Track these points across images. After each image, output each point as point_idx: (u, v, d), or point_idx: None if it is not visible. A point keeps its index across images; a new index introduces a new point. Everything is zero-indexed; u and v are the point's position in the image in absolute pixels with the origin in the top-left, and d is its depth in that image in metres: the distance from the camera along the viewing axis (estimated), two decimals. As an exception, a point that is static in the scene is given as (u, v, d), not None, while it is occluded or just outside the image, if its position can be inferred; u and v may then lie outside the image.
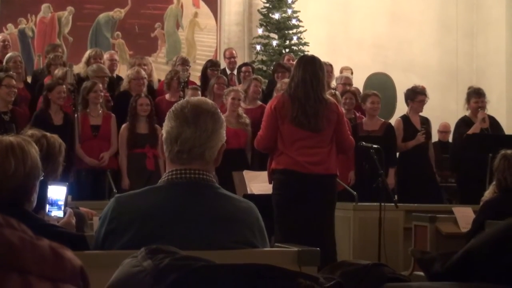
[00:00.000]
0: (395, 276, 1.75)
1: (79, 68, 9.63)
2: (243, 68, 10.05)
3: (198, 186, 2.66)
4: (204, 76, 9.69)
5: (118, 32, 13.56)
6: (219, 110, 2.79)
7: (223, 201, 2.70)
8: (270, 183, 5.85)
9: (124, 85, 8.84)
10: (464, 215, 6.20)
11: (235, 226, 2.66)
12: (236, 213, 2.69)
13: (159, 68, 12.39)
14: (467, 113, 8.78)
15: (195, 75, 11.33)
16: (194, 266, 1.61)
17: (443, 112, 12.08)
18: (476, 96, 8.65)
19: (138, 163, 8.18)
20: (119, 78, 9.57)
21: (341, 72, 10.63)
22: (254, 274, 1.62)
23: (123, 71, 10.64)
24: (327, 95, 5.99)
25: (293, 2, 13.25)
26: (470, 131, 8.42)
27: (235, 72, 10.48)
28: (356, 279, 1.71)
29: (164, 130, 2.73)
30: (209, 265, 1.64)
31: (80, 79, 8.70)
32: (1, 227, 0.78)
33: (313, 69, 5.73)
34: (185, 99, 3.02)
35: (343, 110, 6.25)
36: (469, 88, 9.08)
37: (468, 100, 8.72)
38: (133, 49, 13.33)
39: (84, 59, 9.47)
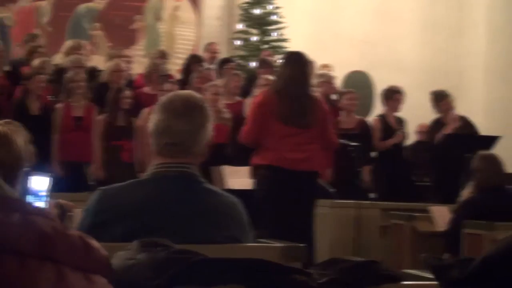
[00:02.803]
0: (390, 273, 1.76)
1: (57, 58, 9.57)
2: (228, 65, 10.03)
3: (185, 180, 2.66)
4: (187, 70, 9.66)
5: (98, 24, 13.48)
6: (207, 105, 2.80)
7: (209, 195, 2.70)
8: (253, 178, 5.86)
9: (103, 77, 8.80)
10: (441, 214, 6.25)
11: (220, 221, 2.66)
12: (222, 208, 2.70)
13: (137, 60, 12.33)
14: (439, 115, 8.87)
15: (175, 69, 11.30)
16: (193, 260, 1.62)
17: (425, 111, 12.13)
18: (442, 98, 8.73)
19: (114, 156, 8.15)
20: (96, 70, 9.53)
21: (320, 69, 10.64)
22: (250, 269, 1.63)
23: (101, 62, 10.58)
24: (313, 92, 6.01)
25: (274, -2, 13.27)
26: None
27: (214, 66, 10.46)
28: (351, 275, 1.72)
29: (152, 123, 2.72)
30: (207, 259, 1.65)
31: (59, 70, 8.65)
32: (33, 216, 0.78)
33: (300, 66, 5.76)
34: (172, 92, 3.01)
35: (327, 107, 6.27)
36: (433, 92, 9.16)
37: (436, 104, 8.80)
38: (112, 41, 13.26)
39: (64, 49, 9.41)
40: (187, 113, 2.66)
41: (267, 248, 2.81)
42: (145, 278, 1.57)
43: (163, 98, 2.79)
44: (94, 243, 0.85)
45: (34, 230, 0.78)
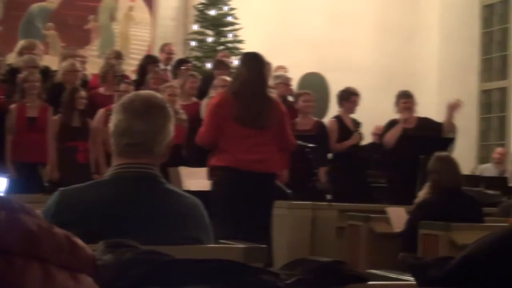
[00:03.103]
0: (355, 274, 1.76)
1: (10, 58, 9.44)
2: (184, 65, 10.00)
3: (146, 181, 2.64)
4: (143, 71, 9.60)
5: (51, 23, 13.33)
6: (168, 105, 2.78)
7: (170, 196, 2.68)
8: (209, 179, 5.83)
9: (58, 77, 8.70)
10: (397, 215, 6.29)
11: (181, 222, 2.65)
12: (183, 209, 2.68)
13: (91, 61, 12.22)
14: (398, 116, 8.90)
15: (129, 70, 11.23)
16: (159, 260, 1.60)
17: (377, 113, 12.21)
18: (404, 97, 8.78)
19: (69, 157, 8.06)
20: (49, 70, 9.41)
21: (276, 71, 10.64)
22: (217, 270, 1.62)
23: (54, 62, 10.46)
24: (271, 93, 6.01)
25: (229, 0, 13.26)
26: (391, 131, 8.54)
27: (169, 67, 10.42)
28: (317, 276, 1.72)
29: (112, 123, 2.69)
30: (174, 260, 1.63)
31: (12, 70, 8.53)
32: (18, 213, 0.76)
33: (257, 67, 5.75)
34: (133, 92, 2.98)
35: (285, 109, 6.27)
36: (399, 91, 9.22)
37: (397, 102, 8.84)
38: (66, 41, 13.14)
39: (17, 49, 9.28)
40: (147, 113, 2.64)
41: (229, 249, 2.80)
42: (111, 279, 1.55)
43: (123, 98, 2.75)
44: (80, 241, 0.83)
45: (19, 228, 0.75)
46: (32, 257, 0.75)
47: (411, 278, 1.88)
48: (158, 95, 2.84)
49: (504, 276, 1.08)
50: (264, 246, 2.78)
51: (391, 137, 8.49)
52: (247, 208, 5.58)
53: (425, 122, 8.82)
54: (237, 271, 1.64)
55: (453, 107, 8.53)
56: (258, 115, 5.66)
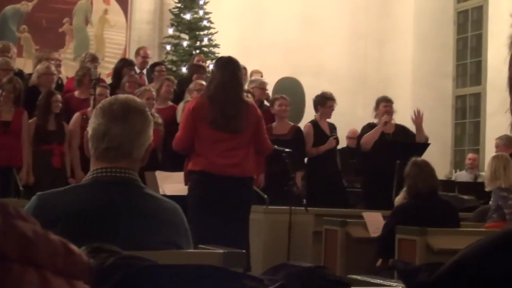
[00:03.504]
0: (337, 279, 1.76)
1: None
2: (157, 68, 9.97)
3: (125, 185, 2.62)
4: (118, 74, 9.55)
5: (25, 26, 13.23)
6: (147, 109, 2.77)
7: (149, 201, 2.66)
8: (186, 184, 5.81)
9: (33, 80, 8.63)
10: (374, 220, 6.31)
11: (161, 227, 2.63)
12: (162, 214, 2.66)
13: (66, 64, 12.16)
14: (375, 120, 8.92)
15: (104, 73, 11.17)
16: (141, 266, 1.58)
17: (351, 117, 12.27)
18: (384, 101, 8.81)
19: (44, 160, 8.00)
20: (23, 73, 9.33)
21: (251, 75, 10.64)
22: (199, 275, 1.60)
23: (28, 66, 10.39)
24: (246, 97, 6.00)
25: (205, 3, 13.24)
26: (370, 133, 8.57)
27: (144, 71, 10.39)
28: (299, 281, 1.71)
29: (90, 127, 2.67)
30: (154, 265, 1.61)
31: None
32: (13, 219, 0.74)
33: (232, 70, 5.73)
34: (112, 96, 2.96)
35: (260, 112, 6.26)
36: (379, 97, 9.25)
37: (377, 106, 8.87)
38: (40, 44, 13.03)
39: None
40: (126, 117, 2.62)
41: (208, 254, 2.79)
42: (93, 284, 1.52)
43: (102, 102, 2.73)
44: (75, 248, 0.81)
45: (16, 234, 0.74)
46: (29, 264, 0.73)
47: (393, 284, 1.88)
48: (137, 99, 2.83)
49: (496, 281, 1.08)
50: (243, 251, 2.77)
51: (369, 139, 8.52)
52: (223, 212, 5.56)
53: (403, 129, 8.87)
54: (220, 277, 1.62)
55: (418, 120, 8.63)
56: (233, 119, 5.65)
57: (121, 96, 2.83)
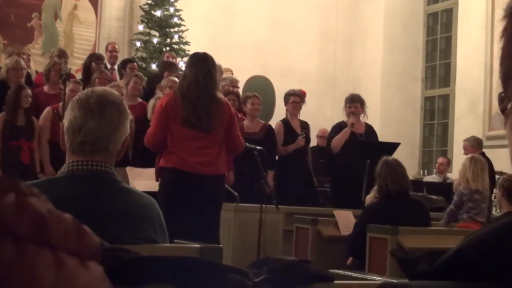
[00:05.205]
0: (321, 273, 1.75)
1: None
2: (129, 65, 9.90)
3: (100, 179, 2.59)
4: (87, 69, 9.48)
5: (-8, 21, 13.09)
6: (124, 102, 2.73)
7: (124, 195, 2.63)
8: (157, 180, 5.77)
9: (1, 74, 8.52)
10: (345, 219, 6.33)
11: (137, 221, 2.60)
12: (138, 208, 2.63)
13: (34, 59, 12.01)
14: (346, 119, 8.94)
15: (73, 69, 11.07)
16: (124, 257, 1.56)
17: (319, 118, 12.30)
18: (349, 102, 8.83)
19: (12, 156, 7.90)
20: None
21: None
22: (184, 267, 1.59)
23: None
24: (219, 95, 5.96)
25: (175, 1, 13.18)
26: (338, 136, 8.58)
27: (115, 67, 10.32)
28: (283, 275, 1.70)
29: (66, 120, 2.63)
30: (139, 257, 1.59)
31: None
32: (27, 196, 0.72)
33: (206, 67, 5.67)
34: (88, 89, 2.92)
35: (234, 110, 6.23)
36: (347, 95, 9.27)
37: (344, 105, 8.89)
38: (8, 39, 12.88)
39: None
40: (102, 110, 2.58)
41: (185, 248, 2.77)
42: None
43: (79, 95, 2.69)
44: (87, 228, 0.79)
45: (30, 212, 0.71)
46: (43, 243, 0.71)
47: (377, 278, 1.87)
48: (115, 92, 2.79)
49: (497, 270, 1.07)
50: (219, 246, 2.76)
51: (339, 142, 8.53)
52: (194, 210, 5.52)
53: (370, 129, 8.90)
54: (205, 269, 1.61)
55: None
56: (205, 118, 5.60)
57: (98, 88, 2.79)
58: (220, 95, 5.98)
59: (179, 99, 5.63)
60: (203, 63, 5.71)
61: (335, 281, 1.76)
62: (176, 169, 5.59)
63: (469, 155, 7.47)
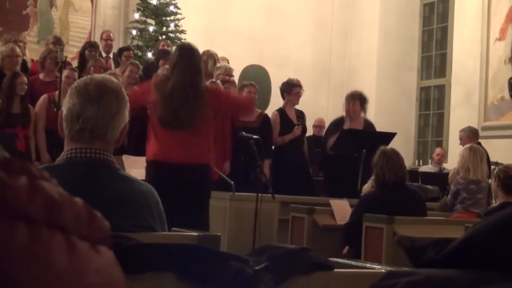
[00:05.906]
0: (322, 261, 1.75)
1: None
2: (125, 53, 9.88)
3: (98, 166, 2.58)
4: (82, 57, 9.46)
5: (-13, 8, 13.03)
6: (123, 90, 2.72)
7: (123, 182, 2.63)
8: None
9: (-3, 62, 8.51)
10: (341, 208, 6.34)
11: (135, 209, 2.60)
12: (136, 196, 2.63)
13: (29, 47, 11.99)
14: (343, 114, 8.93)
15: (69, 57, 11.03)
16: (126, 245, 1.56)
17: (314, 107, 12.30)
18: (346, 100, 8.84)
19: (7, 144, 7.87)
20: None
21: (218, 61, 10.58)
22: (186, 255, 1.59)
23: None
24: (208, 84, 5.83)
25: (172, -11, 13.14)
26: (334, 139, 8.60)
27: (111, 55, 10.30)
28: (283, 262, 1.70)
29: (65, 107, 2.62)
30: (141, 244, 1.59)
31: None
32: (39, 179, 0.72)
33: (194, 68, 5.52)
34: (87, 76, 2.91)
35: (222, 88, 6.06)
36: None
37: (344, 102, 8.89)
38: (3, 26, 12.82)
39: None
40: (100, 98, 2.58)
41: (183, 236, 2.77)
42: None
43: (78, 81, 2.69)
44: (97, 212, 0.78)
45: (42, 196, 0.71)
46: (55, 227, 0.71)
47: (376, 266, 1.88)
48: (113, 79, 2.77)
49: (505, 259, 1.07)
50: (218, 234, 2.76)
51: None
52: (180, 200, 5.40)
53: (371, 126, 8.89)
54: (207, 257, 1.61)
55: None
56: (187, 120, 5.46)
57: (97, 76, 2.78)
58: (206, 84, 5.85)
59: (159, 101, 5.51)
60: (191, 60, 5.51)
61: (335, 269, 1.76)
62: (157, 161, 5.53)
63: (467, 145, 7.42)
